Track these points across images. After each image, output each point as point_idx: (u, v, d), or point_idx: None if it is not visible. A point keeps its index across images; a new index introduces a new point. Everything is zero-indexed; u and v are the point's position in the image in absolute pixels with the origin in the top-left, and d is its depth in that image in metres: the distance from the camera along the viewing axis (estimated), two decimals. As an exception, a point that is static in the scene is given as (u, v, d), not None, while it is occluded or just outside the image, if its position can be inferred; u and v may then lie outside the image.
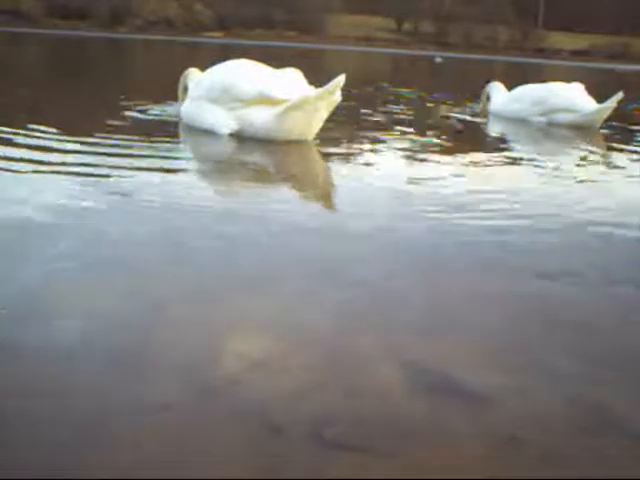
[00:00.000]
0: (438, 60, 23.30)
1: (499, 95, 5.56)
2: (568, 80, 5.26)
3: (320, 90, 3.23)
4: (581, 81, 5.23)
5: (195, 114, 3.65)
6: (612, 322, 1.49)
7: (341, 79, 3.12)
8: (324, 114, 3.37)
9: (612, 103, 4.80)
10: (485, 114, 5.60)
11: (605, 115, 4.93)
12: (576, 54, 43.26)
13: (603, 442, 1.03)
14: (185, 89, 4.06)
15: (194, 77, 3.97)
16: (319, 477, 0.92)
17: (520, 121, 5.17)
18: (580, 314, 1.51)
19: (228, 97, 3.42)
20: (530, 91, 5.24)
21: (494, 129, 5.03)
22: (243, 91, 3.36)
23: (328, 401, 1.09)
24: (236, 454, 0.95)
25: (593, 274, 1.77)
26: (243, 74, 3.44)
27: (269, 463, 0.94)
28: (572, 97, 4.99)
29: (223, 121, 3.46)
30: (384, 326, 1.38)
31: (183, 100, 4.00)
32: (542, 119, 5.08)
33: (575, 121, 4.95)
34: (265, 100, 3.33)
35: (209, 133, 3.53)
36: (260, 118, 3.36)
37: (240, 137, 3.46)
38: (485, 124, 5.20)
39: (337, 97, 3.25)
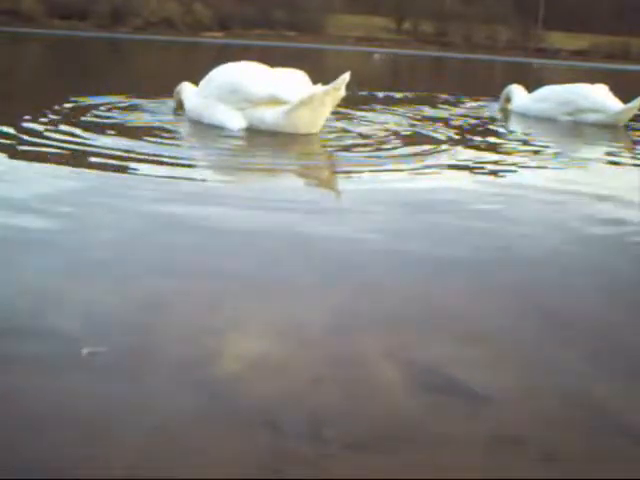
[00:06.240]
0: (376, 57, 23.78)
1: (522, 96, 5.85)
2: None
3: (327, 87, 3.48)
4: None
5: (204, 111, 3.88)
6: None
7: (346, 76, 3.38)
8: (329, 109, 3.64)
9: (638, 102, 4.99)
10: (505, 114, 5.85)
11: (631, 114, 5.16)
12: (576, 54, 43.25)
13: (603, 442, 1.03)
14: (180, 103, 4.33)
15: (188, 90, 4.25)
16: (319, 477, 0.92)
17: (546, 120, 5.38)
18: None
19: (237, 98, 3.69)
20: (557, 92, 5.49)
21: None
22: (253, 93, 3.63)
23: (328, 400, 1.09)
24: (236, 454, 0.95)
25: None
26: (252, 77, 3.70)
27: (269, 463, 0.94)
28: (600, 98, 5.21)
29: (234, 118, 3.70)
30: (384, 324, 1.38)
31: (181, 109, 4.31)
32: (569, 118, 5.31)
33: (602, 120, 5.16)
34: (275, 102, 3.60)
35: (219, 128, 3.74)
36: (270, 115, 3.62)
37: (250, 131, 3.68)
38: (508, 123, 5.38)
39: (341, 93, 3.50)
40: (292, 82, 3.67)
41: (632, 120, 5.31)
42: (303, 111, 3.57)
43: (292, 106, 3.56)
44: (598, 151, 4.19)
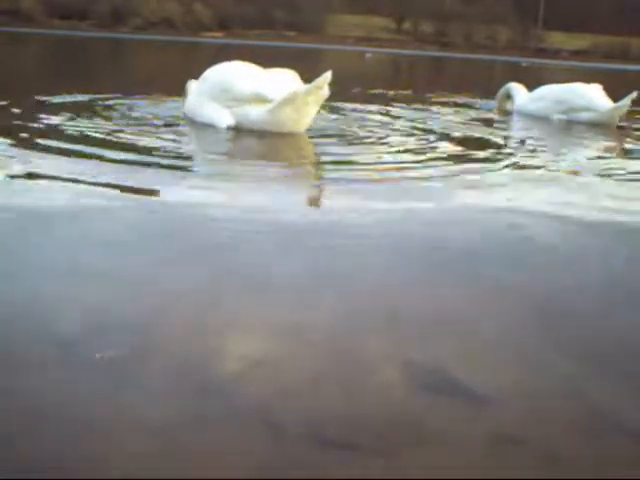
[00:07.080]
0: (368, 55, 24.14)
1: (522, 95, 5.91)
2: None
3: (309, 86, 3.48)
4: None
5: (197, 109, 3.95)
6: None
7: (328, 75, 3.37)
8: (313, 108, 3.64)
9: (627, 101, 5.07)
10: (503, 113, 5.94)
11: (621, 113, 5.24)
12: (576, 54, 43.29)
13: (603, 442, 1.03)
14: None
15: (192, 88, 4.27)
16: (319, 477, 0.92)
17: (542, 118, 5.47)
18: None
19: (226, 96, 3.74)
20: (553, 90, 5.60)
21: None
22: (240, 91, 3.67)
23: (328, 401, 1.09)
24: (236, 454, 0.95)
25: None
26: (241, 76, 3.74)
27: (269, 463, 0.94)
28: (592, 97, 5.30)
29: (222, 116, 3.75)
30: (385, 324, 1.38)
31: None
32: (563, 116, 5.40)
33: (593, 119, 5.25)
34: (260, 100, 3.63)
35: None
36: (255, 113, 3.66)
37: (238, 130, 3.71)
38: (506, 122, 5.44)
39: (325, 92, 3.49)
40: (280, 81, 3.68)
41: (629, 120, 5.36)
42: (286, 109, 3.58)
43: (275, 104, 3.58)
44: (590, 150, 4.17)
